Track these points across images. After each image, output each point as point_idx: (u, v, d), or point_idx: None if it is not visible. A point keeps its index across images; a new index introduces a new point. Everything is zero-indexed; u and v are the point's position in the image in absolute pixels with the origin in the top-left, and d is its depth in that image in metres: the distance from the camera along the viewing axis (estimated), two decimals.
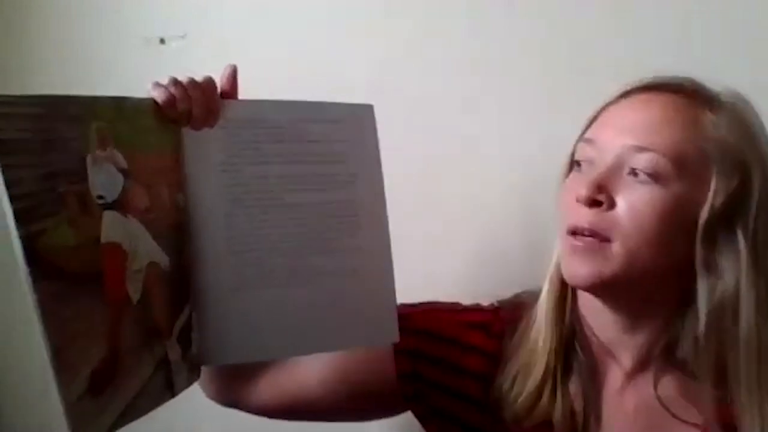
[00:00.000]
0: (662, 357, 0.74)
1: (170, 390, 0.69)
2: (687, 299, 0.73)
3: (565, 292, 0.78)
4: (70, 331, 0.57)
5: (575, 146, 0.75)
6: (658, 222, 0.69)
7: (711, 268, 0.70)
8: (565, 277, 0.73)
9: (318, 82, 1.07)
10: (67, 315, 0.57)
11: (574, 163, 0.75)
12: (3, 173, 0.53)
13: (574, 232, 0.71)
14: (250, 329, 0.73)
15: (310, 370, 0.84)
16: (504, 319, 0.82)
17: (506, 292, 0.86)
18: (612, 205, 0.70)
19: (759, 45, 0.91)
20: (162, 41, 1.17)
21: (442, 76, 1.04)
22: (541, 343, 0.77)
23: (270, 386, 0.85)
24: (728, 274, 0.70)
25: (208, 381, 0.82)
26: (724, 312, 0.70)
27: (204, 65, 1.14)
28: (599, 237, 0.70)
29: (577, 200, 0.71)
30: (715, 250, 0.70)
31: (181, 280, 0.71)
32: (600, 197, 0.70)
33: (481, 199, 1.03)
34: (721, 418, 0.72)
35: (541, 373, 0.76)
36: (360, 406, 0.86)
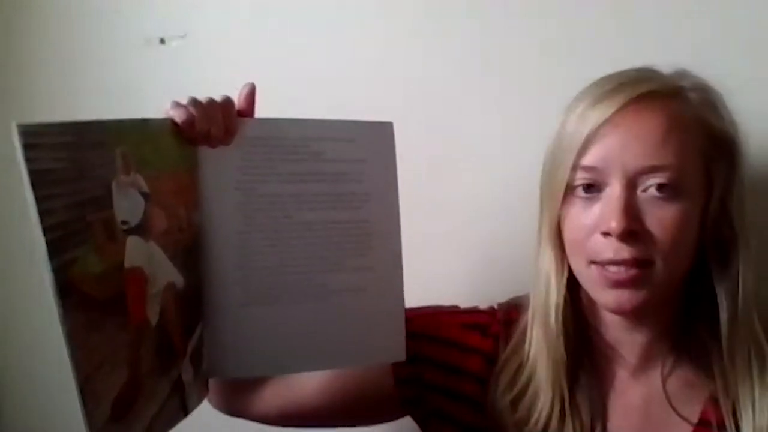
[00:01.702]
0: (668, 351, 0.76)
1: (183, 410, 0.70)
2: (693, 295, 0.75)
3: (565, 304, 0.77)
4: (96, 359, 0.57)
5: (570, 174, 0.72)
6: (686, 232, 0.71)
7: (723, 260, 0.73)
8: (607, 309, 0.73)
9: (318, 82, 1.07)
10: (95, 343, 0.57)
11: (570, 191, 0.73)
12: (37, 204, 0.52)
13: (609, 264, 0.70)
14: (257, 344, 0.74)
15: (311, 378, 0.84)
16: (500, 320, 0.83)
17: (508, 294, 0.86)
18: (644, 229, 0.70)
19: (759, 45, 0.91)
20: (162, 41, 1.16)
21: (441, 76, 1.04)
22: (544, 365, 0.76)
23: (272, 395, 0.85)
24: (734, 261, 0.73)
25: (212, 391, 0.83)
26: (738, 301, 0.72)
27: (204, 65, 1.14)
28: (642, 264, 0.70)
29: (607, 234, 0.70)
30: (722, 240, 0.73)
31: (195, 299, 0.72)
32: (635, 226, 0.69)
33: (481, 199, 1.03)
34: (717, 418, 0.73)
35: (549, 400, 0.76)
36: (360, 411, 0.86)
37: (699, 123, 0.72)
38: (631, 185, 0.70)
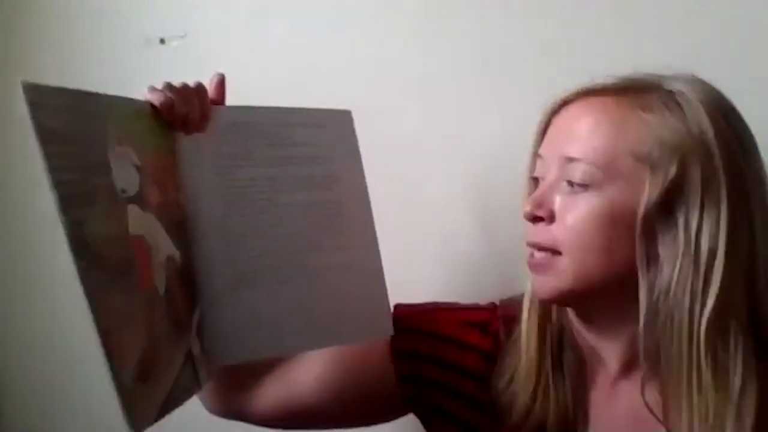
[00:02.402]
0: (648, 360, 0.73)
1: (197, 382, 0.71)
2: None
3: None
4: (116, 318, 0.58)
5: (531, 164, 0.77)
6: (597, 228, 0.69)
7: (651, 261, 0.69)
8: (534, 292, 0.76)
9: (318, 81, 1.07)
10: (112, 303, 0.58)
11: (533, 180, 0.76)
12: (46, 160, 0.54)
13: (528, 246, 0.74)
14: (251, 328, 0.75)
15: (310, 376, 0.84)
16: (501, 317, 0.83)
17: (507, 293, 0.86)
18: (552, 218, 0.71)
19: (759, 45, 0.91)
20: (162, 41, 1.17)
21: (441, 76, 1.04)
22: (531, 351, 0.77)
23: (270, 395, 0.85)
24: (667, 265, 0.68)
25: (207, 393, 0.82)
26: (659, 306, 0.68)
27: (204, 65, 1.14)
28: (548, 251, 0.71)
29: (524, 217, 0.73)
30: (656, 243, 0.69)
31: (190, 277, 0.73)
32: (539, 212, 0.72)
33: (481, 199, 1.03)
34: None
35: (533, 381, 0.76)
36: (360, 410, 0.85)
37: (643, 124, 0.70)
38: (558, 176, 0.72)
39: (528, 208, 0.72)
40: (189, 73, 1.13)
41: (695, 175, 0.68)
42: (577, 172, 0.70)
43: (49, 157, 0.54)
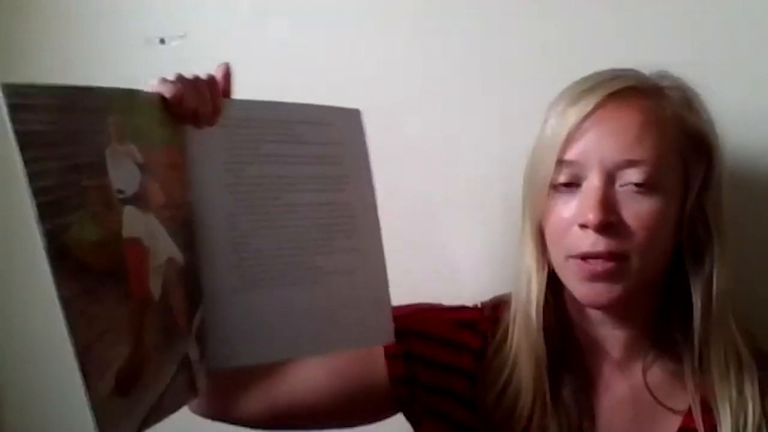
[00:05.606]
0: (651, 346, 0.76)
1: (193, 390, 0.69)
2: (673, 289, 0.75)
3: (548, 302, 0.77)
4: (95, 328, 0.56)
5: (554, 170, 0.73)
6: (661, 228, 0.71)
7: (697, 260, 0.73)
8: (583, 302, 0.74)
9: (318, 82, 1.07)
10: (93, 312, 0.56)
11: (552, 187, 0.74)
12: (25, 166, 0.52)
13: (585, 258, 0.71)
14: (252, 331, 0.73)
15: (302, 378, 0.83)
16: (488, 317, 0.83)
17: (506, 291, 0.86)
18: (621, 222, 0.70)
19: (759, 45, 0.91)
20: (162, 41, 1.16)
21: (441, 76, 1.04)
22: (525, 361, 0.76)
23: (261, 396, 0.83)
24: (708, 256, 0.73)
25: None
26: (712, 297, 0.72)
27: (204, 65, 1.14)
28: (618, 258, 0.70)
29: (584, 226, 0.71)
30: (697, 236, 0.73)
31: (194, 278, 0.71)
32: (612, 218, 0.70)
33: (481, 199, 1.03)
34: (704, 403, 0.74)
35: (531, 396, 0.76)
36: (352, 411, 0.85)
37: (677, 121, 0.73)
38: (608, 179, 0.71)
39: (600, 217, 0.69)
40: (189, 72, 1.13)
41: (717, 167, 0.73)
42: (640, 175, 0.70)
43: (28, 162, 0.51)
